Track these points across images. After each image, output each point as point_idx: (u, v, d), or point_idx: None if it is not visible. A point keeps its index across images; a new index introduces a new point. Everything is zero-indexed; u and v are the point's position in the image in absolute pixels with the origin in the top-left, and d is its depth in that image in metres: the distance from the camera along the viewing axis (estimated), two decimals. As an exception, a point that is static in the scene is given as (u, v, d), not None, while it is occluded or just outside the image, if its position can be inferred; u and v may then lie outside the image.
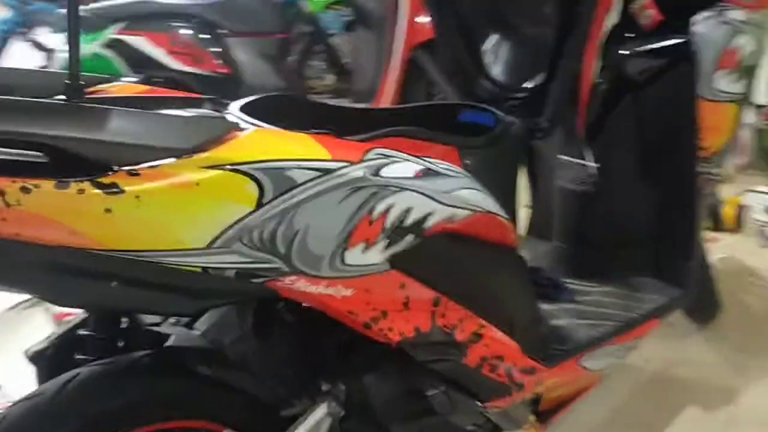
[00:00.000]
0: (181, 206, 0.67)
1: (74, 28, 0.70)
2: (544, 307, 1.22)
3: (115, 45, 2.64)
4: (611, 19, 1.11)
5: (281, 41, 2.88)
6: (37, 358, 0.92)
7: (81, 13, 1.38)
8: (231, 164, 0.69)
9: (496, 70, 1.25)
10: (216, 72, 2.72)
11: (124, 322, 0.91)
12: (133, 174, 0.65)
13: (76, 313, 0.95)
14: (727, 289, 1.83)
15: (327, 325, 0.87)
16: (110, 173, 0.64)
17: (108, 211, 0.64)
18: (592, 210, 1.37)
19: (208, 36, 2.71)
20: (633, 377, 1.58)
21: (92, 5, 2.76)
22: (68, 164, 0.63)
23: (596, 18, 1.07)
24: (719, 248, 2.05)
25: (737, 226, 2.07)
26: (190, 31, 2.73)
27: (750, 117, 2.31)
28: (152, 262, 0.69)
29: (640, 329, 1.28)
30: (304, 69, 3.30)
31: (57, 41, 3.34)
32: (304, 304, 0.85)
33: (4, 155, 0.62)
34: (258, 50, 2.80)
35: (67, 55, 0.70)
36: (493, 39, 1.26)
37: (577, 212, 1.39)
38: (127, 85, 1.00)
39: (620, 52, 1.24)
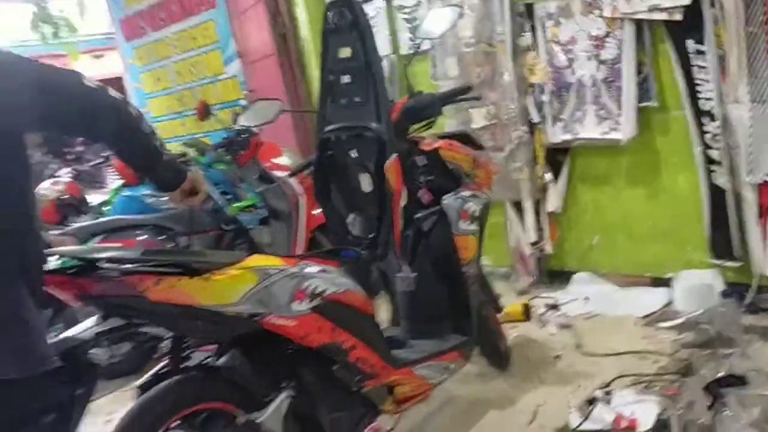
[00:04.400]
0: (231, 283, 1.76)
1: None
2: (395, 351, 2.33)
3: (97, 251, 3.67)
4: (404, 200, 2.34)
5: (217, 236, 4.01)
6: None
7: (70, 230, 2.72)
8: (246, 268, 1.80)
9: (354, 230, 2.45)
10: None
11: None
12: (215, 273, 1.74)
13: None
14: (517, 350, 3.01)
15: (281, 347, 1.95)
16: (206, 273, 1.73)
17: (203, 288, 1.73)
18: (415, 300, 2.53)
19: (164, 236, 3.81)
20: (454, 400, 2.67)
21: (76, 225, 3.83)
22: (188, 271, 1.73)
23: (394, 204, 2.28)
24: (516, 330, 3.26)
25: (526, 317, 3.30)
26: (149, 236, 3.82)
27: (528, 249, 3.64)
28: (218, 311, 1.76)
29: (448, 356, 2.40)
30: (232, 255, 4.39)
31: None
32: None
33: (164, 268, 1.71)
34: (202, 244, 3.91)
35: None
36: (351, 216, 2.46)
37: (407, 303, 2.55)
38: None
39: (415, 215, 2.49)
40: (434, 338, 2.48)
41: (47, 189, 4.30)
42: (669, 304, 3.14)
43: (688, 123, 2.94)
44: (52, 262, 1.62)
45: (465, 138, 2.64)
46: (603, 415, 2.33)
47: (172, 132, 6.32)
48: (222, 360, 1.96)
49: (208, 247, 3.90)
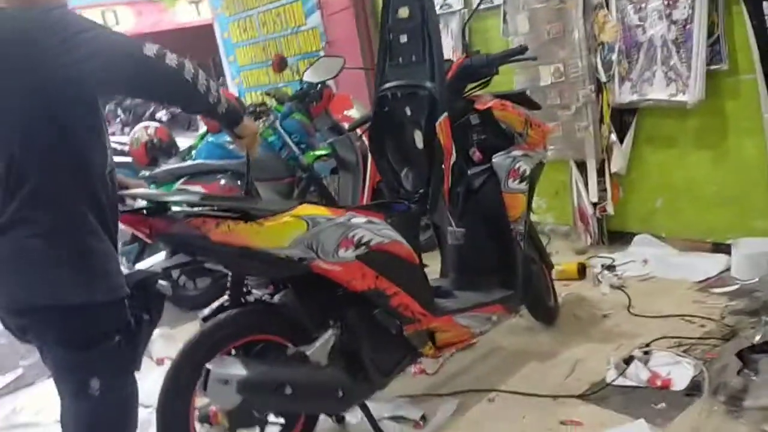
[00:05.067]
0: (282, 229, 1.94)
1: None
2: (440, 300, 2.48)
3: (180, 193, 3.96)
4: (453, 158, 2.44)
5: (289, 183, 4.23)
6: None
7: (158, 172, 2.97)
8: (297, 216, 1.98)
9: (406, 184, 2.57)
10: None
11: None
12: (268, 219, 1.93)
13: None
14: (567, 307, 3.09)
15: (330, 290, 2.13)
16: (260, 219, 1.92)
17: (258, 232, 1.91)
18: (463, 254, 2.66)
19: (240, 182, 4.07)
20: (498, 350, 2.80)
21: (164, 167, 4.14)
22: (246, 217, 1.92)
23: (445, 161, 2.38)
24: (569, 288, 3.33)
25: (580, 276, 3.36)
26: (227, 180, 4.09)
27: (590, 209, 3.67)
28: (270, 252, 1.95)
29: (489, 308, 2.52)
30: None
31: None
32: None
33: (225, 213, 1.91)
34: (273, 189, 4.15)
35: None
36: (404, 171, 2.59)
37: (455, 256, 2.68)
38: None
39: (465, 172, 2.59)
40: (479, 291, 2.60)
41: (140, 132, 4.63)
42: (726, 270, 3.12)
43: (758, 87, 2.86)
44: (128, 203, 1.85)
45: (521, 98, 2.69)
46: (639, 373, 2.41)
47: (257, 81, 6.58)
48: (277, 297, 2.17)
49: (280, 193, 4.14)
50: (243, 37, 6.59)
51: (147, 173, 4.13)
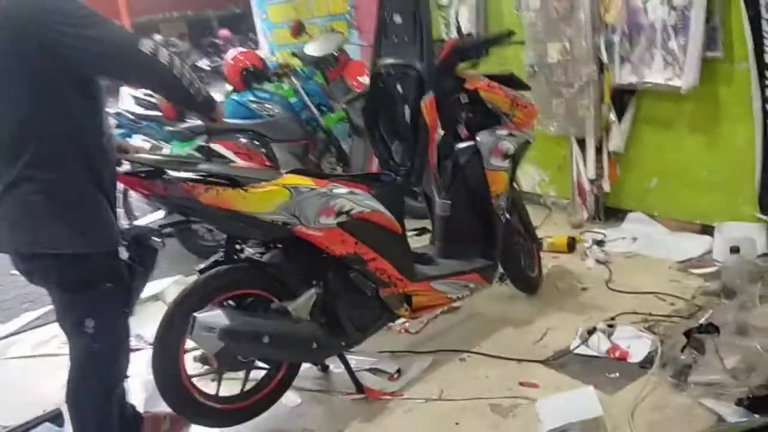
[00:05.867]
0: (267, 196, 2.15)
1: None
2: (421, 267, 2.67)
3: (201, 149, 4.19)
4: (439, 134, 2.60)
5: (304, 145, 4.42)
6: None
7: (178, 130, 3.21)
8: (282, 185, 2.18)
9: (396, 157, 2.75)
10: (262, 164, 4.24)
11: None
12: (253, 186, 2.14)
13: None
14: (550, 279, 3.26)
15: (315, 253, 2.34)
16: (246, 186, 2.13)
17: (244, 197, 2.13)
18: (449, 224, 2.84)
19: (258, 142, 4.28)
20: (479, 315, 3.00)
21: (185, 125, 4.37)
22: (233, 183, 2.13)
23: (430, 137, 2.55)
24: (557, 260, 3.49)
25: (569, 250, 3.51)
26: (247, 140, 4.30)
27: (587, 185, 3.80)
28: (255, 216, 2.16)
29: (467, 276, 2.71)
30: (322, 162, 4.81)
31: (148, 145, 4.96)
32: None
33: (214, 180, 2.12)
34: (289, 150, 4.34)
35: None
36: (395, 144, 2.76)
37: (441, 226, 2.86)
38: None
39: (454, 147, 2.75)
40: (460, 259, 2.79)
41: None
42: (709, 252, 3.23)
43: (751, 76, 2.93)
44: (126, 166, 2.08)
45: (509, 79, 2.82)
46: (600, 344, 2.58)
47: (287, 39, 6.70)
48: (266, 257, 2.39)
49: (295, 154, 4.34)
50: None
51: (172, 129, 4.35)
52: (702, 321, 2.38)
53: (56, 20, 1.68)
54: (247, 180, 2.15)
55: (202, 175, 2.12)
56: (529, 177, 4.30)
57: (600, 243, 3.56)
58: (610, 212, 3.85)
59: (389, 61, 2.64)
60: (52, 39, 1.68)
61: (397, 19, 2.58)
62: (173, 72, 1.79)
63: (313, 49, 4.06)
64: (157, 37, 18.16)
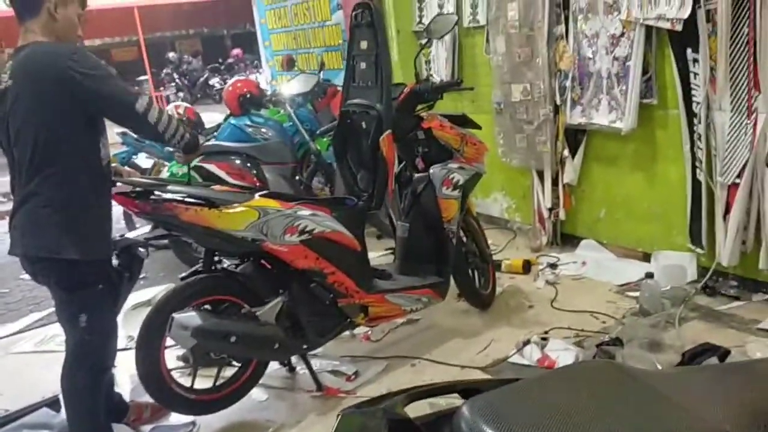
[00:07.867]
0: (238, 216, 2.53)
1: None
2: (378, 281, 3.04)
3: (197, 169, 4.59)
4: (397, 166, 2.98)
5: (293, 167, 4.81)
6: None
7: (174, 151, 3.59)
8: (251, 206, 2.56)
9: (360, 184, 3.12)
10: (253, 185, 4.63)
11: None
12: (227, 207, 2.52)
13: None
14: (503, 297, 3.61)
15: (282, 266, 2.71)
16: (221, 207, 2.51)
17: (218, 216, 2.51)
18: (407, 244, 3.21)
19: (249, 164, 4.67)
20: (434, 326, 3.36)
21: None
22: (210, 204, 2.51)
23: (388, 168, 2.92)
24: (513, 280, 3.85)
25: (525, 271, 3.87)
26: (240, 161, 4.69)
27: (545, 213, 4.16)
28: (228, 233, 2.54)
29: (420, 291, 3.07)
30: (311, 183, 5.18)
31: (150, 163, 5.37)
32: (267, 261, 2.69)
33: (194, 201, 2.50)
34: (278, 172, 4.73)
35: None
36: (360, 173, 3.14)
37: (401, 246, 3.23)
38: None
39: (413, 177, 3.13)
40: (415, 276, 3.16)
41: (171, 111, 5.28)
42: (646, 278, 3.58)
43: (681, 122, 3.30)
44: (120, 186, 2.46)
45: (462, 119, 3.20)
46: (533, 354, 2.93)
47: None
48: (239, 268, 2.77)
49: (284, 176, 4.72)
50: (278, 24, 7.17)
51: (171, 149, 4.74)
52: (611, 335, 2.72)
53: (74, 68, 2.06)
54: (221, 201, 2.53)
55: (183, 197, 2.50)
56: (497, 204, 4.68)
57: (553, 266, 3.92)
58: (567, 238, 4.21)
59: (356, 101, 3.03)
60: (69, 83, 2.06)
61: (362, 65, 2.97)
62: (158, 128, 2.19)
63: (288, 88, 4.48)
64: (171, 55, 18.91)
